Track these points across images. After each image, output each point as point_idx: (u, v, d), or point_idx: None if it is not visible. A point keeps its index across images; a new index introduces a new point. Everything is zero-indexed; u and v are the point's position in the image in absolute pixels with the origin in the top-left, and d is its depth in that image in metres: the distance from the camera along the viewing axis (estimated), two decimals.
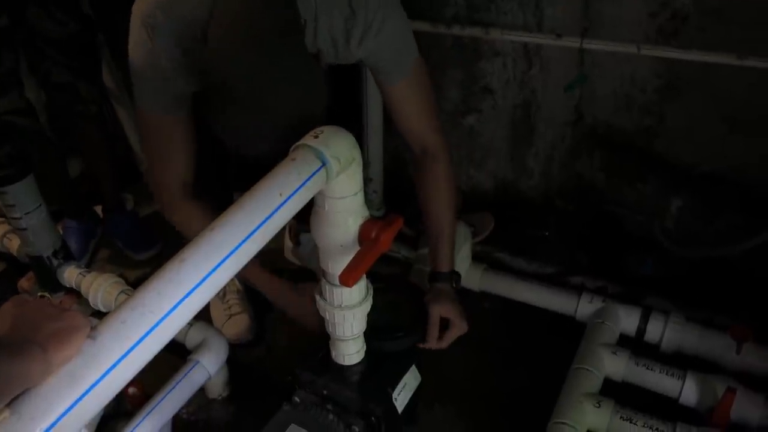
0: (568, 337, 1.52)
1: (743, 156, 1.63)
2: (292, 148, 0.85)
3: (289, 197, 0.78)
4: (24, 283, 1.79)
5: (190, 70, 1.09)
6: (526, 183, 2.05)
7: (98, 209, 2.03)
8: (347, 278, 0.91)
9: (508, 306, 1.68)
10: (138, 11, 1.08)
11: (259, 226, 0.74)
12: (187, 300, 0.66)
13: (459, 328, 1.34)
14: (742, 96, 1.57)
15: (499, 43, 1.83)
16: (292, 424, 1.12)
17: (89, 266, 1.88)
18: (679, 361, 1.38)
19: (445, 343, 1.34)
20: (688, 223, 1.72)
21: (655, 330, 1.44)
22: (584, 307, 1.53)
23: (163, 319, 0.64)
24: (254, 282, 1.42)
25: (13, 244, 1.76)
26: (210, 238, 0.71)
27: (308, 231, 1.56)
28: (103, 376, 0.59)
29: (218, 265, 0.70)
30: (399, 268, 1.82)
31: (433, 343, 1.33)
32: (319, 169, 0.83)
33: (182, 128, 1.20)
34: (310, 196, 0.83)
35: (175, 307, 0.65)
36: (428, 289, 1.38)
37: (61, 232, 1.86)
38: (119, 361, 0.60)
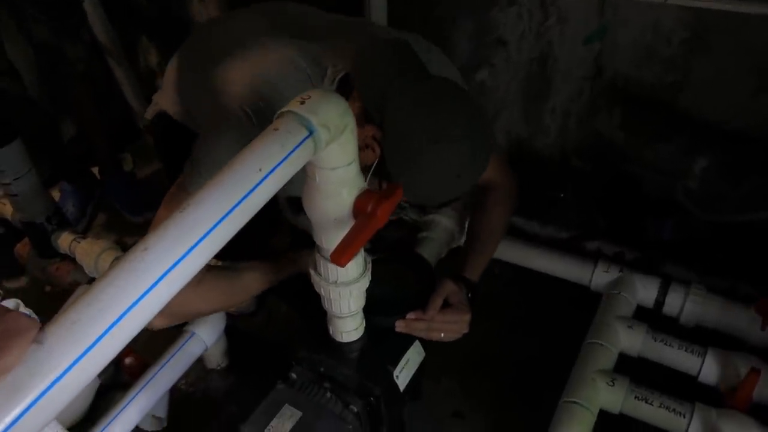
0: (581, 306, 1.45)
1: None
2: (275, 115, 0.77)
3: (270, 172, 0.70)
4: (20, 248, 1.74)
5: None
6: (542, 141, 1.95)
7: (96, 171, 1.96)
8: (339, 257, 0.83)
9: (520, 272, 1.60)
10: (235, 94, 1.02)
11: (235, 206, 0.67)
12: (150, 294, 0.59)
13: (459, 314, 1.17)
14: None
15: None
16: (286, 405, 1.06)
17: (87, 231, 1.82)
18: (699, 336, 1.31)
19: (437, 317, 1.16)
20: (712, 184, 1.62)
21: (674, 302, 1.36)
22: (600, 276, 1.45)
23: (121, 317, 0.57)
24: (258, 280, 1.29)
25: (8, 209, 1.71)
26: (179, 222, 0.63)
27: None
28: (52, 385, 0.52)
29: (187, 253, 0.62)
30: (407, 234, 1.74)
31: (426, 314, 1.16)
32: (305, 139, 0.74)
33: None
34: (295, 171, 0.74)
35: (136, 302, 0.58)
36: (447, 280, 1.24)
37: (59, 195, 1.81)
38: (70, 367, 0.53)
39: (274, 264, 1.27)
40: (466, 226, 1.59)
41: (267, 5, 1.29)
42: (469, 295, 1.24)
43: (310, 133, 0.74)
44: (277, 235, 1.46)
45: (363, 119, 0.98)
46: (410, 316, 1.16)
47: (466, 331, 1.18)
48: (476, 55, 1.88)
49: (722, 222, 1.59)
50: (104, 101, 1.81)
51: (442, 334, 1.17)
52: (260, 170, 0.69)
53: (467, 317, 1.17)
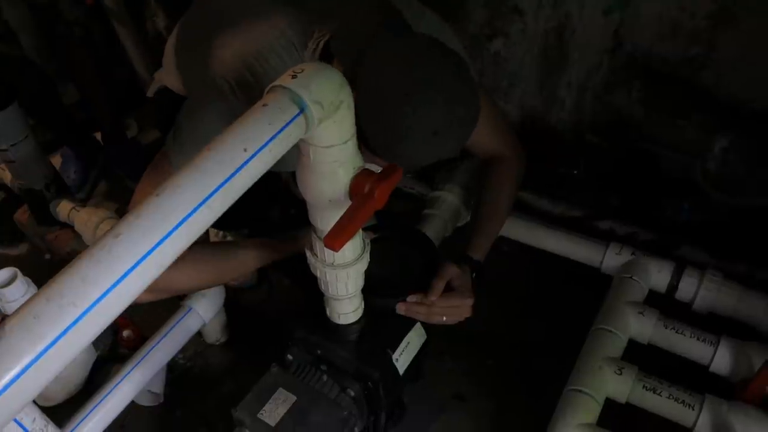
0: (591, 287, 1.40)
1: None
2: (266, 90, 0.72)
3: (256, 153, 0.65)
4: (20, 215, 1.71)
5: None
6: (557, 115, 1.88)
7: (99, 137, 1.93)
8: (333, 241, 0.78)
9: (528, 250, 1.55)
10: (223, 64, 1.00)
11: (216, 190, 0.62)
12: (120, 286, 0.55)
13: (461, 298, 1.12)
14: None
15: None
16: (280, 389, 1.03)
17: (89, 198, 1.79)
18: (712, 323, 1.26)
19: (438, 302, 1.11)
20: (732, 165, 1.55)
21: (688, 288, 1.31)
22: (611, 258, 1.39)
23: (87, 312, 0.53)
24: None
25: (7, 175, 1.68)
26: (153, 207, 0.59)
27: None
28: (8, 385, 0.49)
29: (162, 241, 0.58)
30: (412, 205, 1.69)
31: (427, 298, 1.11)
32: (295, 117, 0.69)
33: None
34: (285, 150, 0.69)
35: (103, 295, 0.54)
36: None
37: (60, 161, 1.78)
38: (29, 365, 0.50)
39: (273, 242, 1.23)
40: (472, 203, 1.55)
41: None
42: (474, 275, 1.19)
43: (301, 110, 0.69)
44: (274, 207, 1.42)
45: None
46: (411, 299, 1.12)
47: (468, 315, 1.13)
48: (491, 24, 1.81)
49: (741, 205, 1.53)
50: (107, 66, 1.76)
51: (444, 318, 1.13)
52: (245, 150, 0.65)
53: (469, 302, 1.12)
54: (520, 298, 1.51)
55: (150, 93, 1.30)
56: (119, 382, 1.25)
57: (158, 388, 1.37)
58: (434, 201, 1.50)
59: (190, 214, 0.60)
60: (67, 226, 1.60)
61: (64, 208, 1.54)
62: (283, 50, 0.99)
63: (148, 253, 0.57)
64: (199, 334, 1.44)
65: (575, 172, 1.81)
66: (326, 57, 0.98)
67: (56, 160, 1.76)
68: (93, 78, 1.72)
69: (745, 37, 1.47)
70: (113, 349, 1.46)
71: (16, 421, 0.73)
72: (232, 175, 0.64)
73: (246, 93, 0.97)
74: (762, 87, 1.50)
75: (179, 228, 0.59)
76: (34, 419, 0.75)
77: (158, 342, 1.30)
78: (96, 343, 1.41)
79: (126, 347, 1.45)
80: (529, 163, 1.57)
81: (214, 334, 1.47)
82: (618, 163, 1.76)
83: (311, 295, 1.09)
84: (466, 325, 1.13)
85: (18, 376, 0.50)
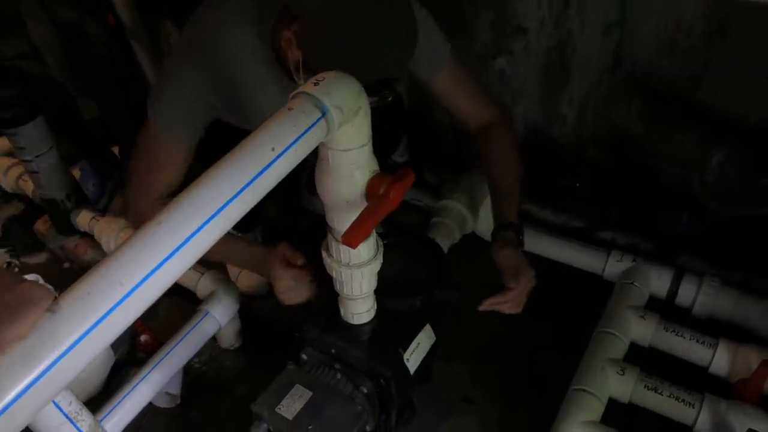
0: (594, 294, 1.45)
1: None
2: (291, 95, 0.77)
3: (283, 152, 0.71)
4: (40, 225, 1.77)
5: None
6: (558, 130, 1.94)
7: (117, 151, 1.99)
8: (351, 238, 0.84)
9: (533, 260, 1.59)
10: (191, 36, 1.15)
11: (247, 185, 0.68)
12: (162, 268, 0.60)
13: (528, 278, 1.25)
14: None
15: None
16: (297, 385, 1.08)
17: (105, 210, 1.84)
18: (711, 327, 1.30)
19: (519, 300, 1.26)
20: (729, 178, 1.60)
21: (687, 293, 1.36)
22: (613, 265, 1.45)
23: (133, 290, 0.58)
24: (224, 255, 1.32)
25: (29, 186, 1.74)
26: (191, 199, 0.65)
27: None
28: (63, 355, 0.54)
29: (199, 229, 0.64)
30: (420, 218, 1.74)
31: (511, 302, 1.25)
32: (318, 120, 0.75)
33: (186, 154, 1.18)
34: (308, 151, 0.75)
35: (148, 276, 0.59)
36: (496, 245, 1.30)
37: (79, 174, 1.83)
38: (82, 338, 0.55)
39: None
40: (479, 212, 1.60)
41: None
42: (520, 236, 1.31)
43: (323, 113, 0.75)
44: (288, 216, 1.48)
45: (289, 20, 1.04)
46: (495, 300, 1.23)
47: (534, 281, 1.26)
48: (495, 43, 1.87)
49: (737, 215, 1.58)
50: (125, 83, 1.83)
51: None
52: (273, 150, 0.70)
53: (532, 273, 1.26)
54: (525, 305, 1.55)
55: None
56: (139, 382, 1.29)
57: (176, 389, 1.41)
58: (441, 210, 1.56)
59: (223, 206, 0.66)
60: (87, 236, 1.66)
61: (84, 218, 1.60)
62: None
63: (187, 239, 0.63)
64: (214, 339, 1.49)
65: (577, 184, 1.87)
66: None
67: (75, 173, 1.82)
68: (113, 95, 1.78)
69: (740, 50, 1.53)
70: (131, 353, 1.51)
71: (54, 402, 0.78)
72: (261, 171, 0.69)
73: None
74: (756, 99, 1.55)
75: (214, 218, 0.65)
76: (71, 402, 0.80)
77: (177, 344, 1.35)
78: (114, 347, 1.46)
79: (143, 351, 1.50)
80: (533, 176, 1.62)
81: (229, 340, 1.51)
82: (618, 177, 1.81)
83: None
84: (473, 330, 1.20)
85: (72, 346, 0.55)
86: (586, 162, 1.90)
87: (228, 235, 1.25)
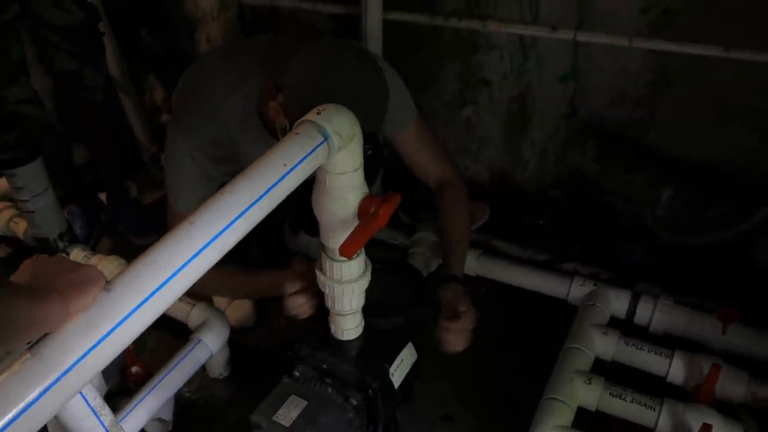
0: (560, 320, 1.56)
1: (732, 146, 1.68)
2: (296, 123, 0.89)
3: (293, 168, 0.82)
4: None
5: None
6: (522, 174, 2.09)
7: (103, 197, 2.07)
8: (347, 249, 0.94)
9: (504, 291, 1.72)
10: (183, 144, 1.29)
11: (264, 193, 0.79)
12: (196, 259, 0.70)
13: (469, 313, 1.31)
14: (731, 88, 1.61)
15: (495, 36, 1.87)
16: (292, 395, 1.16)
17: (95, 251, 1.91)
18: (667, 343, 1.42)
19: (462, 338, 1.31)
20: (678, 212, 1.76)
21: (644, 312, 1.48)
22: (576, 290, 1.57)
23: (173, 275, 0.68)
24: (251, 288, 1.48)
25: (20, 227, 1.80)
26: (218, 203, 0.75)
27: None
28: (118, 325, 0.63)
29: (226, 228, 0.74)
30: (397, 255, 1.85)
31: (451, 342, 1.31)
32: (321, 143, 0.87)
33: None
34: (313, 169, 0.87)
35: (185, 264, 0.69)
36: (440, 288, 1.39)
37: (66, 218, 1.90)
38: (132, 312, 0.64)
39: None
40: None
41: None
42: (464, 287, 1.38)
43: (325, 138, 0.87)
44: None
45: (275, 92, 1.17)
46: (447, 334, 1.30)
47: (477, 316, 1.32)
48: (462, 94, 2.03)
49: (688, 245, 1.72)
50: (116, 131, 1.93)
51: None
52: (285, 165, 0.82)
53: (473, 310, 1.31)
54: (497, 332, 1.66)
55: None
56: (133, 408, 1.34)
57: (168, 415, 1.46)
58: (417, 242, 1.69)
59: (245, 210, 0.76)
60: None
61: (76, 256, 1.66)
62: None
63: (215, 236, 0.73)
64: (203, 368, 1.55)
65: (540, 222, 2.01)
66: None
67: None
68: (106, 140, 1.88)
69: (680, 101, 1.71)
70: (122, 385, 1.55)
71: (81, 394, 0.85)
72: (277, 182, 0.80)
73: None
74: (697, 143, 1.72)
75: (238, 220, 0.75)
76: (95, 397, 0.87)
77: (170, 371, 1.41)
78: (106, 378, 1.50)
79: (134, 382, 1.54)
80: (500, 216, 1.76)
81: (218, 368, 1.58)
82: (579, 214, 1.96)
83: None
84: (450, 357, 1.32)
85: (124, 319, 0.64)
86: (548, 201, 2.05)
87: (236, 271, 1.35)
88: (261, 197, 0.78)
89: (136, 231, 1.99)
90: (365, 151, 1.14)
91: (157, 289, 0.66)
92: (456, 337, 1.30)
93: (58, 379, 0.59)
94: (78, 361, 0.60)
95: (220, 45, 2.01)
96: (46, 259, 0.66)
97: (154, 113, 2.39)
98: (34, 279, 0.63)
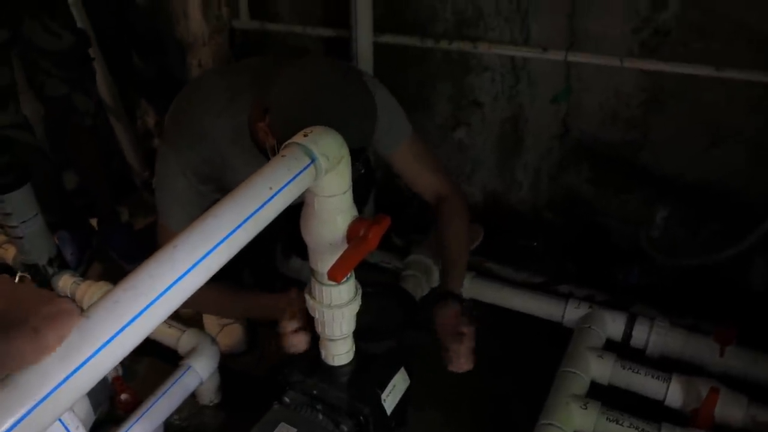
0: (555, 343, 1.54)
1: (725, 166, 1.67)
2: (282, 145, 0.88)
3: (279, 191, 0.81)
4: None
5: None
6: (515, 195, 2.09)
7: (94, 222, 2.05)
8: (336, 273, 0.93)
9: (498, 314, 1.70)
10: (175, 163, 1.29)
11: (249, 217, 0.77)
12: (178, 284, 0.68)
13: (471, 332, 1.31)
14: (722, 108, 1.61)
15: (487, 58, 1.88)
16: (282, 423, 1.13)
17: (85, 276, 1.89)
18: (664, 366, 1.40)
19: (465, 358, 1.30)
20: (673, 232, 1.75)
21: (640, 335, 1.46)
22: (571, 312, 1.55)
23: (154, 301, 0.66)
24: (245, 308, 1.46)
25: (9, 253, 1.78)
26: (202, 226, 0.74)
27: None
28: (97, 352, 0.61)
29: (209, 252, 0.72)
30: (390, 278, 1.84)
31: (460, 363, 1.31)
32: (308, 166, 0.85)
33: None
34: (299, 192, 0.86)
35: (166, 289, 0.67)
36: (436, 306, 1.39)
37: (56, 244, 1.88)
38: (112, 339, 0.62)
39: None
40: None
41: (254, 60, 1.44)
42: (461, 303, 1.38)
43: (312, 160, 0.86)
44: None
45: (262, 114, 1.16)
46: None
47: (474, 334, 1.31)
48: (454, 115, 2.03)
49: (683, 266, 1.71)
50: (107, 156, 1.92)
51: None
52: (270, 188, 0.80)
53: (472, 329, 1.31)
54: (490, 356, 1.62)
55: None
56: None
57: None
58: (410, 264, 1.67)
59: (230, 234, 0.75)
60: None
61: (65, 282, 1.65)
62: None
63: (198, 261, 0.71)
64: (193, 396, 1.52)
65: (535, 243, 2.00)
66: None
67: None
68: (97, 165, 1.87)
69: (672, 121, 1.71)
70: (111, 413, 1.53)
71: (61, 422, 0.83)
72: (262, 206, 0.79)
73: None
74: (690, 162, 1.72)
75: (222, 244, 0.74)
76: (77, 427, 0.85)
77: (158, 398, 1.39)
78: (94, 406, 1.48)
79: (123, 410, 1.51)
80: (494, 237, 1.74)
81: (209, 395, 1.55)
82: (573, 235, 1.95)
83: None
84: (445, 378, 1.29)
85: (104, 345, 0.62)
86: (542, 223, 2.04)
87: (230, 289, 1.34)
88: (246, 221, 0.77)
89: (128, 256, 1.97)
90: (357, 170, 1.13)
91: (137, 315, 0.65)
92: (463, 358, 1.30)
93: (33, 408, 0.57)
94: (54, 389, 0.58)
95: (213, 67, 2.01)
96: (19, 288, 0.65)
97: (146, 138, 2.39)
98: (7, 310, 0.61)
